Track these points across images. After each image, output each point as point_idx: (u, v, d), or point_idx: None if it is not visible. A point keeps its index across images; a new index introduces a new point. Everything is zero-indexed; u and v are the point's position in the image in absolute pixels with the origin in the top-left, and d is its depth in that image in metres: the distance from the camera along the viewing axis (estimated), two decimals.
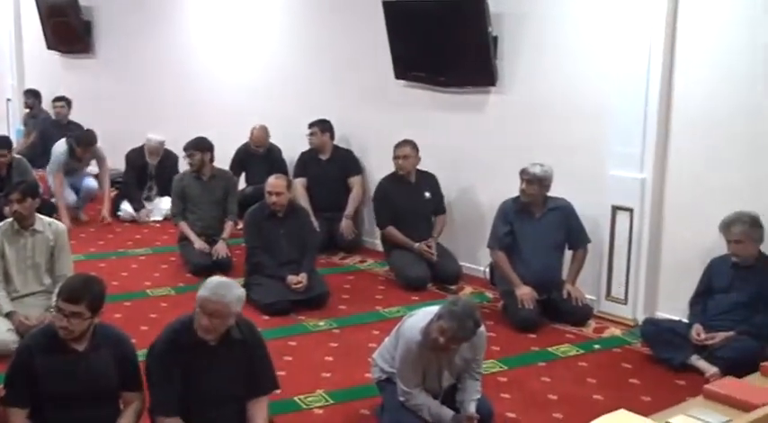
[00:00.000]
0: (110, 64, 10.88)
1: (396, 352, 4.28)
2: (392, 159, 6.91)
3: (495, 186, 6.60)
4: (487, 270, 6.44)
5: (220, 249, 6.94)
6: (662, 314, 5.83)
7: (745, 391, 4.02)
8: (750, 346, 4.99)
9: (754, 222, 5.13)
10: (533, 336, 5.76)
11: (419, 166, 6.99)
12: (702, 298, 5.37)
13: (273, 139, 8.31)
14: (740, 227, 5.12)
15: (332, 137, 7.80)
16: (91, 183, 8.74)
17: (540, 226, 5.98)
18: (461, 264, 6.89)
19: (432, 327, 4.07)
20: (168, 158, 8.64)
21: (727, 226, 5.17)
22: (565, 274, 6.09)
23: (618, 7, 5.84)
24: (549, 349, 5.54)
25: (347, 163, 7.82)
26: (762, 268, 5.18)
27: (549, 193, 6.01)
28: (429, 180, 7.04)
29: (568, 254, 6.09)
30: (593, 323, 5.99)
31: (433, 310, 4.18)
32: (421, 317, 4.22)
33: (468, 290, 6.68)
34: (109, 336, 3.80)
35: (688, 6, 5.57)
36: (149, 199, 8.74)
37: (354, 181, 7.77)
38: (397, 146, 6.91)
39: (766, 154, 5.34)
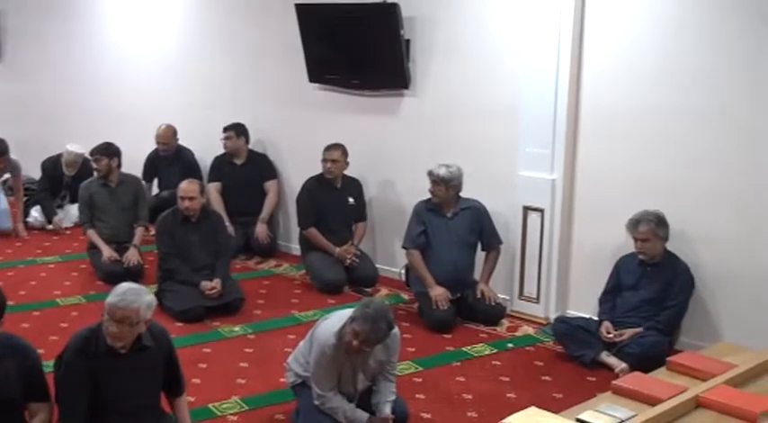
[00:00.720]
0: (19, 68, 10.54)
1: (310, 356, 4.27)
2: (320, 162, 6.85)
3: (411, 188, 6.64)
4: (403, 272, 6.46)
5: (131, 256, 6.80)
6: (573, 312, 5.96)
7: (652, 385, 4.12)
8: (657, 341, 5.15)
9: (659, 221, 5.27)
10: (448, 336, 5.81)
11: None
12: (611, 295, 5.50)
13: (189, 144, 8.19)
14: (646, 225, 5.26)
15: (247, 141, 7.74)
16: (6, 224, 8.21)
17: (451, 225, 6.04)
18: (378, 266, 6.92)
19: (345, 330, 4.08)
20: (86, 170, 8.20)
21: (633, 225, 5.31)
22: (477, 273, 6.16)
23: (526, 11, 5.93)
24: (464, 349, 5.60)
25: (262, 167, 7.78)
26: (668, 265, 5.32)
27: (463, 194, 6.07)
28: (354, 186, 7.01)
29: (480, 254, 6.16)
30: (506, 322, 6.07)
31: (347, 313, 4.18)
32: (335, 320, 4.22)
33: (383, 291, 6.71)
34: (12, 346, 3.68)
35: (595, 9, 5.68)
36: (61, 207, 8.51)
37: (270, 185, 7.72)
38: (327, 149, 6.84)
39: (672, 153, 5.47)
